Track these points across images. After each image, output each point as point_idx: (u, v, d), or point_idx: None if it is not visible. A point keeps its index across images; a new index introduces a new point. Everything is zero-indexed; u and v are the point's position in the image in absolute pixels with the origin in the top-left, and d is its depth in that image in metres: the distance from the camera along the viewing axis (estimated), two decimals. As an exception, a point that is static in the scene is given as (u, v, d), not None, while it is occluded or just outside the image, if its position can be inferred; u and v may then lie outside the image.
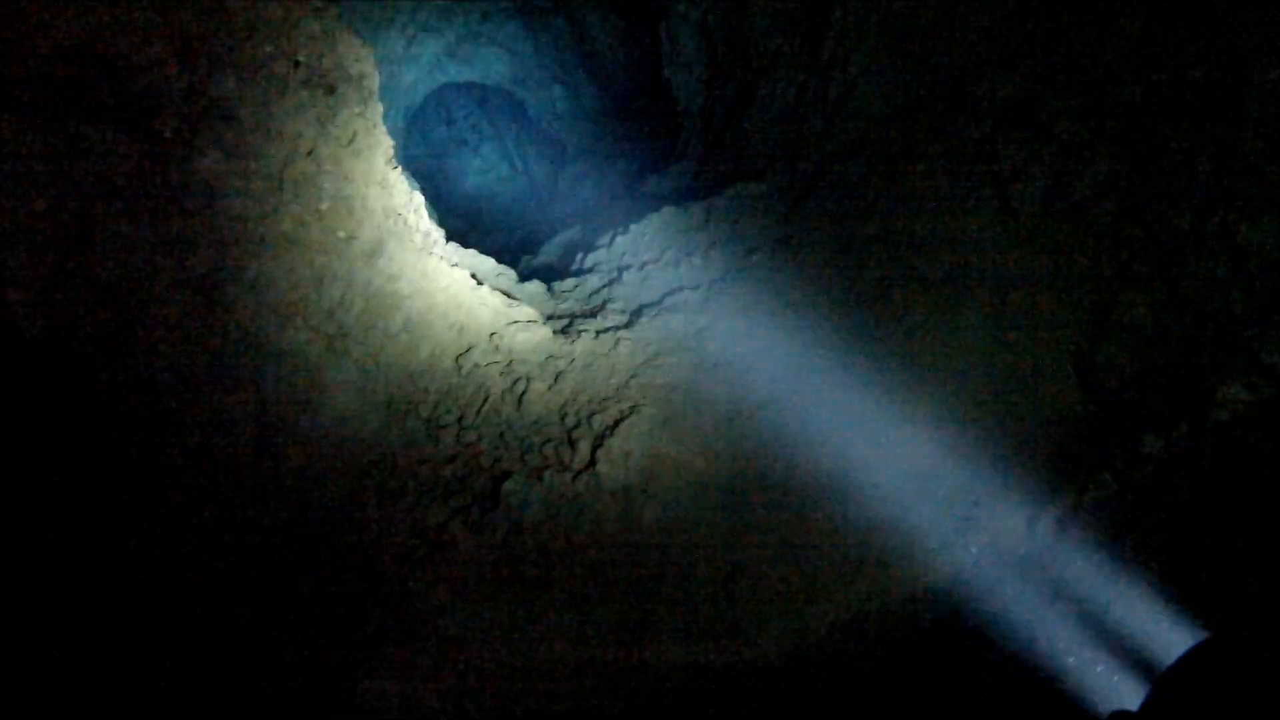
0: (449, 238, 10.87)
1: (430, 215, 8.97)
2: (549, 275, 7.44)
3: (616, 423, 5.10)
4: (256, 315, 5.08)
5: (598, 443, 5.04)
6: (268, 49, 4.99)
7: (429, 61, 10.48)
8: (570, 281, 6.72)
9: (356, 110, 5.52)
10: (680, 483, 4.96)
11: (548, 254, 8.22)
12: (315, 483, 5.29)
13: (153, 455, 4.87)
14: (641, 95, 9.95)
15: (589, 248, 7.32)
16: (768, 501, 4.95)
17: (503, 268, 6.74)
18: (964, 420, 5.23)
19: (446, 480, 5.32)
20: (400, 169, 5.75)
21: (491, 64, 10.90)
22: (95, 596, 4.81)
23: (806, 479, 4.94)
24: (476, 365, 5.58)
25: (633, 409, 5.14)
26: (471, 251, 6.70)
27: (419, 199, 5.97)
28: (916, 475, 4.94)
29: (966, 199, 5.90)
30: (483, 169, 12.08)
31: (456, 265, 5.79)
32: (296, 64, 5.18)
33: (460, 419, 5.46)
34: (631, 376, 5.37)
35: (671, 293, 6.04)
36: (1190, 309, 5.08)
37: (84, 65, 4.14)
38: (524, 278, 6.81)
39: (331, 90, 5.38)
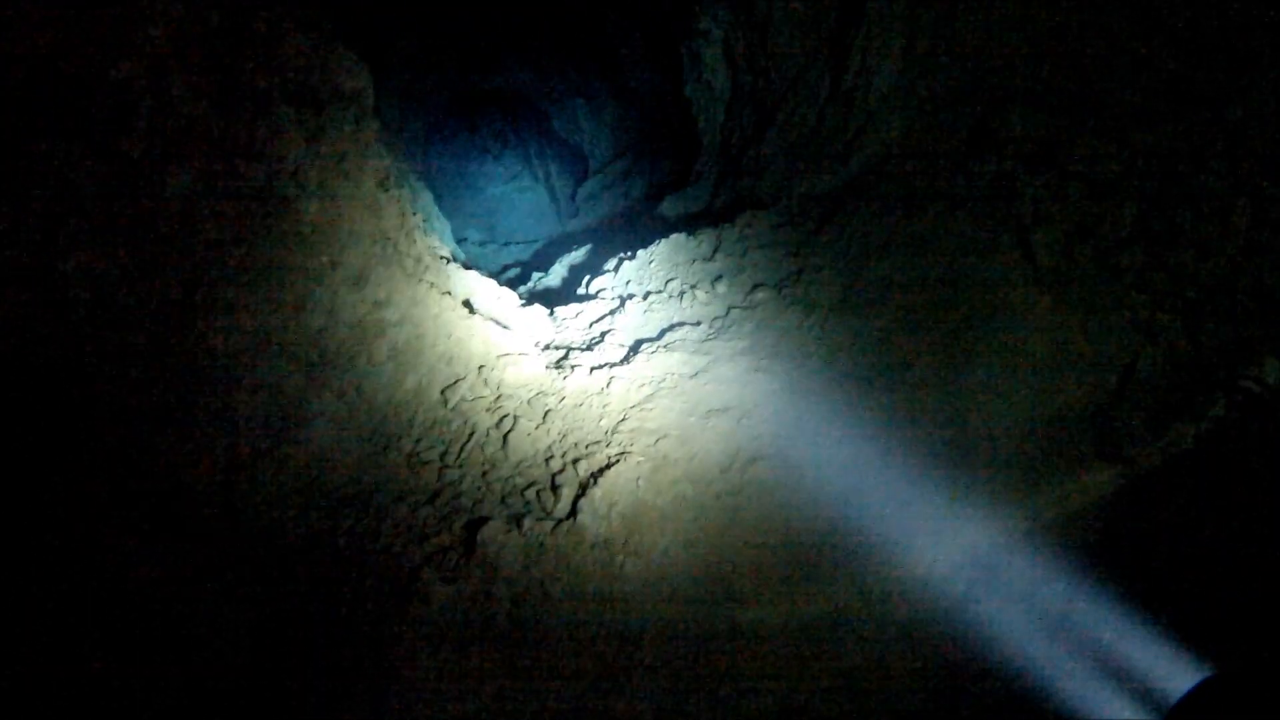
0: (466, 245, 10.71)
1: (440, 226, 8.78)
2: (553, 299, 7.19)
3: (603, 470, 4.82)
4: (231, 342, 4.87)
5: (581, 491, 4.77)
6: (250, 65, 4.78)
7: (451, 69, 10.28)
8: (573, 308, 6.45)
9: (348, 129, 5.30)
10: (665, 538, 4.67)
11: (555, 275, 7.98)
12: (287, 516, 5.07)
13: (115, 485, 4.68)
14: (663, 113, 9.68)
15: (595, 271, 7.07)
16: (756, 563, 4.64)
17: (504, 291, 6.49)
18: (972, 484, 4.89)
19: (424, 520, 5.08)
20: (392, 191, 5.52)
21: (515, 74, 10.68)
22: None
23: (800, 540, 4.63)
24: (464, 399, 5.34)
25: (620, 456, 4.86)
26: (473, 273, 6.45)
27: (413, 222, 5.74)
28: (919, 544, 4.61)
29: (985, 242, 5.55)
30: (504, 177, 11.87)
31: (449, 294, 5.54)
32: (283, 81, 4.97)
33: (443, 455, 5.22)
34: (622, 420, 5.09)
35: (672, 328, 5.76)
36: (1215, 371, 4.70)
37: (45, 81, 3.94)
38: (526, 301, 6.54)
39: (320, 109, 5.17)
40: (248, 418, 4.98)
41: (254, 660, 4.89)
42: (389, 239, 5.39)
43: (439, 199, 11.04)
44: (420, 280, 5.47)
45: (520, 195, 11.73)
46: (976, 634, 4.91)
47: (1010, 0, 5.98)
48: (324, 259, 5.13)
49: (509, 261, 10.15)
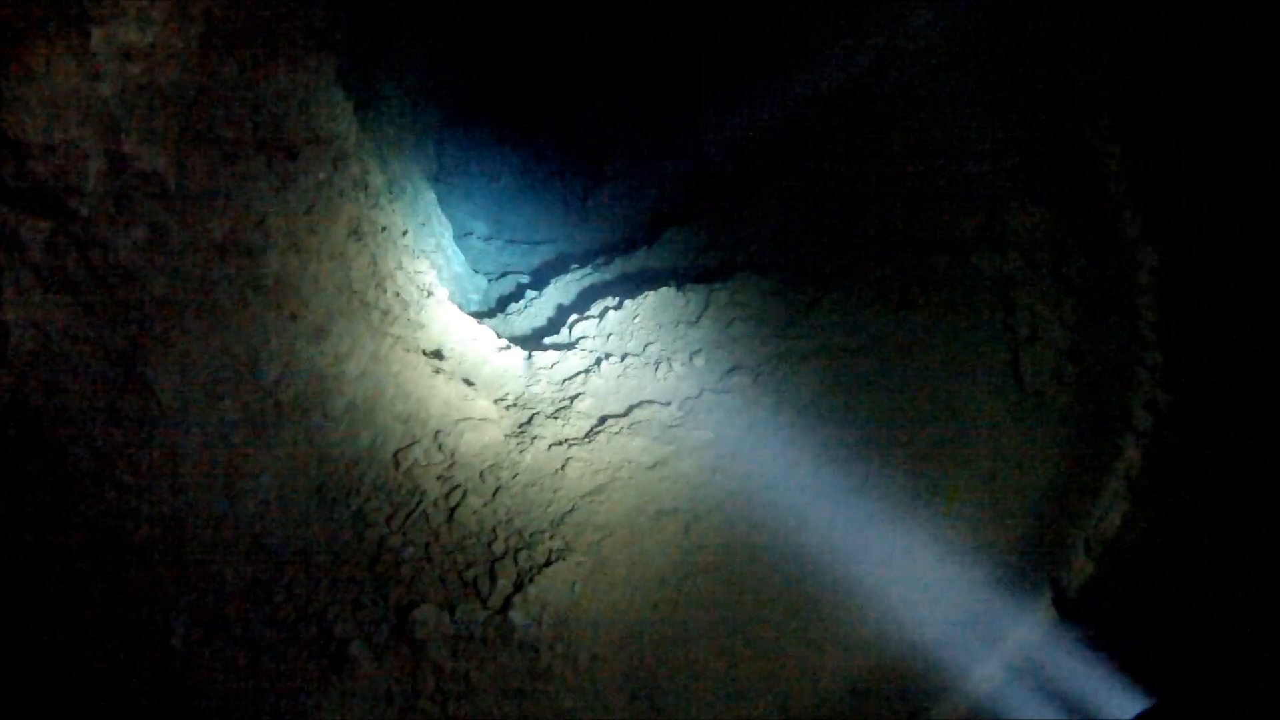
0: (470, 240, 10.51)
1: (439, 229, 8.61)
2: (535, 336, 7.04)
3: (543, 565, 4.71)
4: (181, 393, 4.77)
5: (518, 585, 4.67)
6: (218, 113, 4.59)
7: (474, 63, 9.99)
8: (550, 356, 6.29)
9: (320, 176, 5.13)
10: (595, 645, 4.57)
11: (544, 304, 7.80)
12: (225, 569, 5.02)
13: (50, 533, 4.63)
14: (685, 132, 9.37)
15: (582, 313, 6.90)
16: (687, 681, 4.54)
17: (481, 330, 6.34)
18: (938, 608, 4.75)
19: (361, 587, 5.01)
20: (361, 238, 5.34)
21: (539, 70, 10.36)
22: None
23: (733, 666, 4.51)
24: (416, 463, 5.23)
25: (563, 553, 4.75)
26: (453, 308, 6.30)
27: (385, 269, 5.57)
28: (854, 685, 4.48)
29: (975, 354, 5.32)
30: (519, 169, 11.60)
31: (412, 351, 5.39)
32: (255, 128, 4.78)
33: (389, 520, 5.13)
34: (571, 510, 4.96)
35: (640, 405, 5.59)
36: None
37: (-15, 144, 3.79)
38: (505, 345, 6.37)
39: (294, 155, 4.99)
40: (195, 468, 4.90)
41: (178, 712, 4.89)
42: (355, 291, 5.24)
43: (448, 192, 10.87)
44: (385, 335, 5.33)
45: (533, 191, 11.45)
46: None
47: (1025, 95, 5.66)
48: (284, 312, 4.99)
49: (510, 264, 9.95)
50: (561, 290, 8.11)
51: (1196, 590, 4.69)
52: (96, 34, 3.85)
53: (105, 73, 3.93)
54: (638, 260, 8.02)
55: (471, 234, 10.63)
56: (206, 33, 4.34)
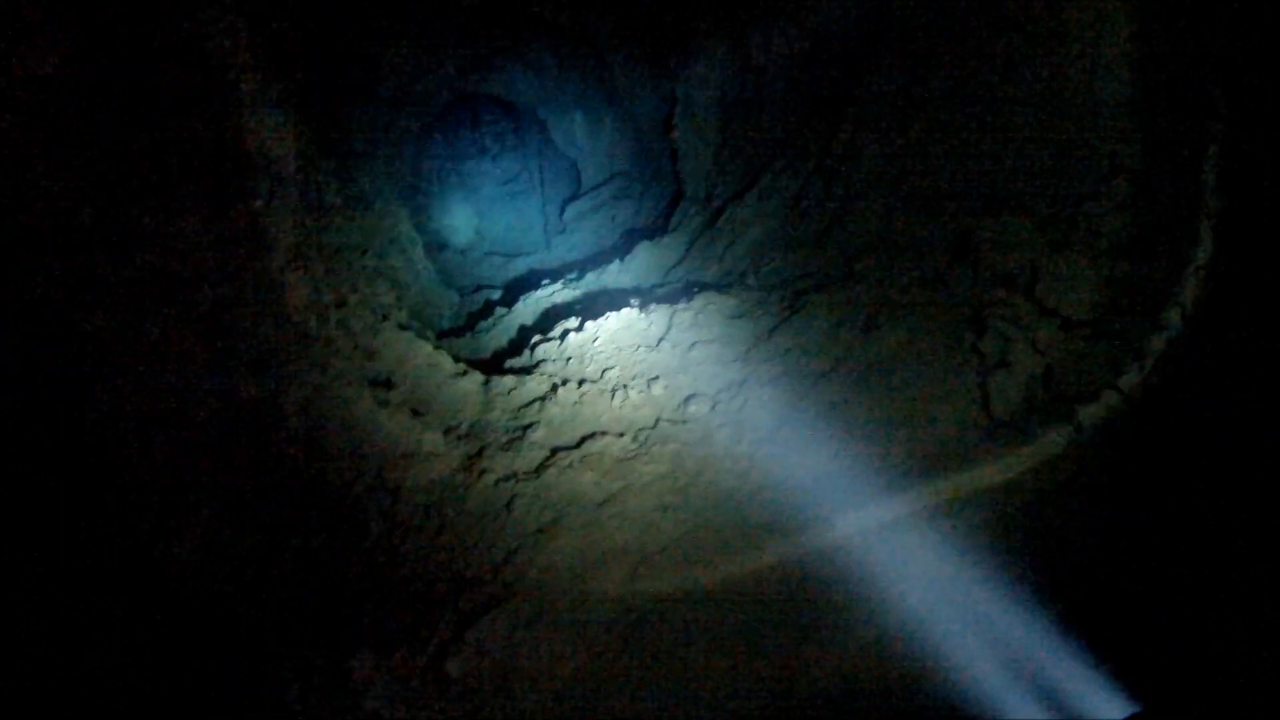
0: (446, 253, 10.35)
1: (409, 245, 8.44)
2: (499, 357, 6.85)
3: (482, 612, 4.53)
4: (115, 429, 4.62)
5: (457, 631, 4.48)
6: (140, 143, 4.41)
7: (452, 72, 9.81)
8: (509, 381, 6.09)
9: (256, 204, 4.94)
10: (535, 695, 4.39)
11: (511, 323, 7.61)
12: (166, 612, 4.85)
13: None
14: (659, 143, 9.17)
15: (544, 334, 6.70)
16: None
17: (439, 355, 6.16)
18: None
19: (299, 630, 4.83)
20: (304, 265, 5.16)
21: (516, 81, 10.19)
22: None
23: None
24: (359, 499, 5.06)
25: (504, 598, 4.56)
26: (408, 334, 6.12)
27: (331, 297, 5.38)
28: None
29: (942, 383, 5.11)
30: (500, 179, 11.44)
31: (355, 384, 5.20)
32: (181, 156, 4.60)
33: (331, 560, 4.95)
34: (515, 550, 4.78)
35: (593, 435, 5.40)
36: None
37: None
38: (463, 370, 6.17)
39: (225, 183, 4.81)
40: (130, 505, 4.75)
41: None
42: (293, 322, 5.06)
43: (426, 203, 10.71)
44: (328, 367, 5.15)
45: (512, 201, 11.31)
46: None
47: (1011, 102, 5.44)
48: (218, 344, 4.82)
49: (484, 278, 9.78)
50: (531, 307, 7.93)
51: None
52: (-7, 67, 3.67)
53: (9, 100, 3.74)
54: (609, 276, 7.83)
55: (447, 246, 10.48)
56: (122, 60, 4.16)
